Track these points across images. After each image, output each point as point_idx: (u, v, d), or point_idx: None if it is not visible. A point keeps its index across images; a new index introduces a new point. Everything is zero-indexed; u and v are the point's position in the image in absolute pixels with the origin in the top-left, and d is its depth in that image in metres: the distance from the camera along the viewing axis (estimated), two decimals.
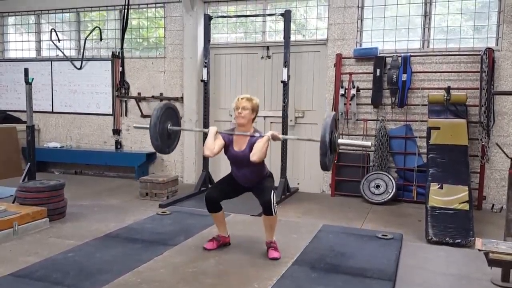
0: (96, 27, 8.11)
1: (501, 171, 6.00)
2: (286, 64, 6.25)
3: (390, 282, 3.40)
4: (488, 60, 5.76)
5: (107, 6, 8.07)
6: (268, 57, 7.14)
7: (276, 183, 6.13)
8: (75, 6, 8.30)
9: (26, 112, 5.58)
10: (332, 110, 6.59)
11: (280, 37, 6.89)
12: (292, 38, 6.52)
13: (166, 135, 4.08)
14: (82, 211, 5.41)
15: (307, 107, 7.01)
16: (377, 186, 6.24)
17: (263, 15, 7.01)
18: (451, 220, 4.76)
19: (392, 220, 5.47)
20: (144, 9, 7.91)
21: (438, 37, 6.36)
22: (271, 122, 7.11)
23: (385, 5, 6.52)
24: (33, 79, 5.59)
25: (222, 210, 4.02)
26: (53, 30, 8.22)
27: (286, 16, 6.25)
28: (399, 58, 6.24)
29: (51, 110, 8.65)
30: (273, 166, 6.42)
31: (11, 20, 9.07)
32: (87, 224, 4.88)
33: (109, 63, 8.07)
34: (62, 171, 8.51)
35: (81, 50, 8.22)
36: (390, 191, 6.17)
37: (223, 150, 3.90)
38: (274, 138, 3.78)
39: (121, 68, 7.96)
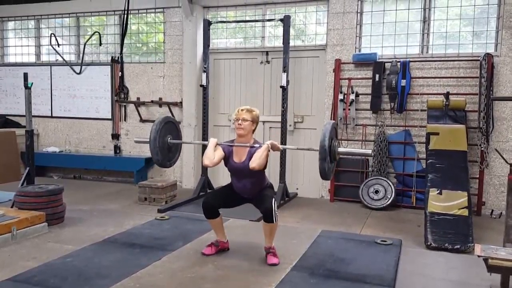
0: (96, 32, 8.13)
1: (500, 177, 6.00)
2: (285, 69, 6.26)
3: None
4: (487, 66, 5.77)
5: (106, 11, 8.09)
6: (267, 62, 7.16)
7: (275, 188, 6.15)
8: (74, 11, 8.32)
9: (25, 116, 5.59)
10: (331, 115, 6.60)
11: (279, 42, 6.90)
12: (291, 43, 6.53)
13: (166, 149, 4.10)
14: (81, 215, 5.41)
15: (306, 112, 7.02)
16: (376, 192, 6.23)
17: (263, 21, 7.03)
18: (450, 226, 4.76)
19: (391, 225, 5.46)
20: (144, 14, 7.93)
21: (437, 43, 6.37)
22: (270, 127, 7.11)
23: (384, 10, 6.55)
24: (32, 83, 5.60)
25: (219, 216, 4.02)
26: (52, 35, 8.24)
27: (285, 21, 6.27)
28: (398, 63, 6.26)
29: (50, 115, 8.65)
30: (272, 171, 6.43)
31: (11, 24, 9.08)
32: (85, 229, 4.87)
33: (109, 68, 8.08)
34: (61, 175, 8.49)
35: (81, 55, 8.24)
36: (389, 196, 6.16)
37: (223, 161, 3.90)
38: (273, 147, 3.78)
39: (120, 73, 7.97)
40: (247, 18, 7.27)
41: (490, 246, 3.53)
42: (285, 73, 6.26)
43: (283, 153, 6.43)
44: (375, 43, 6.61)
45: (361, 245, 4.40)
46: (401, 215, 5.99)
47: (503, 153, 5.43)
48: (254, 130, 3.90)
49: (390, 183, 6.21)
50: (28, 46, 8.91)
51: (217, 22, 7.15)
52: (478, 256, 3.33)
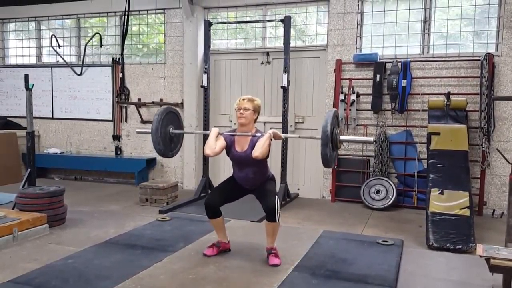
0: (97, 33, 8.13)
1: (502, 177, 5.99)
2: (286, 69, 6.26)
3: None
4: (488, 66, 5.76)
5: (107, 12, 8.10)
6: (268, 62, 7.16)
7: (276, 189, 6.14)
8: (75, 13, 8.33)
9: (26, 118, 5.59)
10: None
11: (280, 43, 6.90)
12: (292, 43, 6.53)
13: (168, 139, 4.09)
14: (82, 217, 5.41)
15: (307, 113, 7.02)
16: (378, 192, 6.23)
17: (263, 21, 7.03)
18: (452, 226, 4.75)
19: (393, 226, 5.45)
20: (144, 15, 7.94)
21: (438, 43, 6.37)
22: (271, 128, 7.04)
23: (384, 10, 6.54)
24: (33, 85, 5.60)
25: (221, 216, 4.01)
26: (53, 36, 8.24)
27: (286, 22, 6.26)
28: (399, 63, 6.25)
29: (51, 116, 8.65)
30: (273, 171, 6.37)
31: (11, 26, 9.09)
32: (86, 230, 4.87)
33: (109, 69, 8.08)
34: (62, 177, 8.50)
35: (82, 56, 8.24)
36: (390, 196, 6.16)
37: (224, 151, 3.89)
38: (275, 136, 3.78)
39: (121, 74, 7.98)
40: (248, 19, 7.27)
41: (492, 246, 3.53)
42: (286, 74, 6.25)
43: (284, 154, 6.43)
44: (376, 43, 6.61)
45: (363, 246, 4.39)
46: (403, 215, 5.98)
47: (505, 153, 5.42)
48: (256, 120, 3.89)
49: (391, 183, 6.21)
50: (29, 47, 8.92)
51: (217, 23, 7.15)
52: (480, 256, 3.33)
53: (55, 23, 8.63)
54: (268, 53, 7.15)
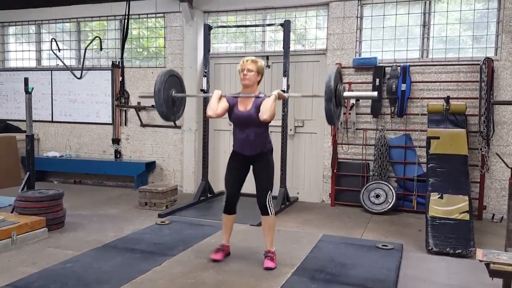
0: (97, 37, 8.14)
1: (501, 181, 5.99)
2: (285, 73, 6.27)
3: None
4: (487, 70, 5.77)
5: (107, 16, 8.12)
6: (268, 66, 7.15)
7: (276, 192, 6.15)
8: (75, 16, 8.34)
9: (26, 121, 5.59)
10: None
11: (279, 47, 6.92)
12: (292, 48, 6.54)
13: (171, 102, 4.09)
14: (81, 220, 5.39)
15: (307, 117, 7.02)
16: (377, 196, 6.22)
17: (263, 25, 7.04)
18: (452, 230, 4.74)
19: (392, 230, 5.44)
20: (145, 19, 7.95)
21: (437, 47, 6.38)
22: (271, 131, 7.04)
23: (384, 15, 6.56)
24: (33, 88, 5.60)
25: (235, 214, 4.03)
26: (53, 40, 8.25)
27: (286, 26, 6.28)
28: (398, 68, 6.26)
29: (50, 120, 8.65)
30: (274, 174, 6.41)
31: (11, 30, 9.11)
32: (85, 234, 4.85)
33: (109, 72, 8.09)
34: (61, 180, 8.49)
35: (81, 60, 8.25)
36: (390, 200, 6.15)
37: (227, 114, 3.88)
38: (280, 96, 3.78)
39: (121, 77, 7.98)
40: (248, 23, 7.28)
41: (492, 250, 3.52)
42: (286, 78, 6.26)
43: (283, 158, 6.42)
44: (375, 48, 6.62)
45: (362, 250, 4.39)
46: (402, 219, 5.97)
47: (504, 157, 5.42)
48: (259, 82, 3.89)
49: (391, 187, 6.20)
50: (28, 51, 8.92)
51: (217, 27, 7.16)
52: (480, 260, 3.32)
53: (55, 27, 8.64)
54: (267, 57, 7.15)
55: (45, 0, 8.33)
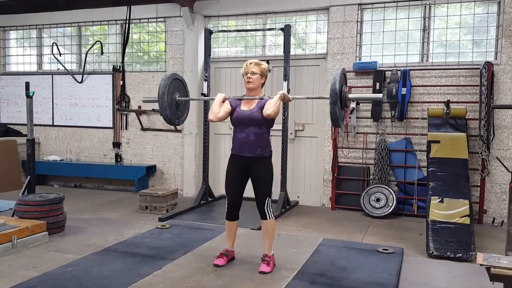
0: (97, 41, 8.17)
1: (502, 185, 5.99)
2: (286, 77, 6.28)
3: None
4: (487, 74, 5.78)
5: (108, 21, 8.14)
6: (268, 70, 7.11)
7: (276, 196, 6.15)
8: (76, 21, 8.37)
9: (27, 125, 5.60)
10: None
11: (280, 51, 6.94)
12: (292, 52, 6.56)
13: (175, 106, 4.09)
14: (81, 224, 5.40)
15: (307, 120, 7.03)
16: (378, 200, 6.22)
17: (263, 30, 7.06)
18: (452, 234, 4.74)
19: (393, 234, 5.44)
20: (145, 24, 7.98)
21: (437, 51, 6.40)
22: (271, 135, 7.08)
23: (384, 19, 6.58)
24: (34, 92, 5.62)
25: (238, 220, 4.04)
26: (54, 44, 8.28)
27: (286, 30, 6.30)
28: (399, 72, 6.28)
29: (51, 124, 8.67)
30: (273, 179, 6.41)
31: (13, 34, 9.13)
32: (86, 238, 4.85)
33: (110, 76, 8.11)
34: (61, 184, 8.49)
35: (82, 64, 8.27)
36: (390, 204, 6.15)
37: (229, 116, 3.89)
38: (285, 97, 3.78)
39: (121, 81, 8.00)
40: (248, 27, 7.30)
41: (492, 254, 3.51)
42: (286, 82, 6.28)
43: (284, 162, 6.42)
44: (376, 52, 6.64)
45: (363, 254, 4.38)
46: (403, 223, 5.97)
47: (504, 161, 5.43)
48: (263, 84, 3.91)
49: (391, 191, 6.20)
50: (30, 55, 8.95)
51: (218, 31, 7.17)
52: (480, 264, 3.32)
53: (56, 31, 8.67)
54: (268, 61, 7.12)
55: (46, 4, 8.37)
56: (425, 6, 6.37)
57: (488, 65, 5.82)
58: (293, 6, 6.95)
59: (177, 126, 6.89)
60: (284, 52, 6.34)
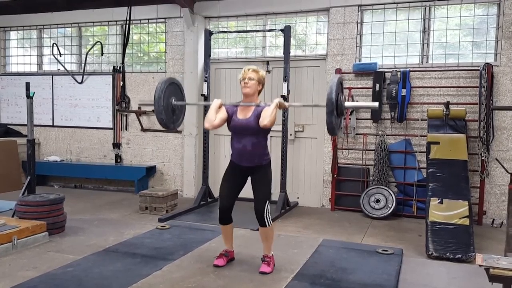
0: (98, 41, 8.18)
1: (501, 186, 6.00)
2: (286, 78, 6.29)
3: None
4: (487, 76, 5.79)
5: (108, 21, 8.15)
6: (268, 71, 7.18)
7: (276, 197, 6.16)
8: (76, 21, 8.38)
9: (27, 126, 5.61)
10: None
11: (280, 52, 6.95)
12: (292, 53, 6.57)
13: (170, 110, 4.09)
14: (82, 225, 5.40)
15: (307, 122, 7.04)
16: (377, 201, 6.23)
17: (263, 31, 7.07)
18: (452, 235, 4.74)
19: (392, 235, 5.45)
20: (145, 24, 7.99)
21: (437, 53, 6.41)
22: (271, 136, 7.08)
23: (384, 21, 6.59)
24: (34, 93, 5.62)
25: (232, 223, 4.02)
26: (54, 45, 8.29)
27: (286, 31, 6.31)
28: (398, 73, 6.28)
29: (51, 124, 8.67)
30: (272, 180, 6.42)
31: (13, 34, 9.14)
32: (86, 238, 4.86)
33: (110, 77, 8.12)
34: (61, 184, 8.50)
35: (82, 65, 8.28)
36: (390, 205, 6.16)
37: (226, 123, 3.86)
38: (281, 105, 3.75)
39: (122, 82, 8.01)
40: (248, 28, 7.31)
41: (492, 255, 3.52)
42: (286, 83, 6.29)
43: (284, 163, 6.43)
44: (375, 53, 6.65)
45: (362, 255, 4.39)
46: (402, 224, 5.98)
47: (504, 163, 5.43)
48: (260, 91, 3.87)
49: (391, 192, 6.21)
50: (30, 55, 8.95)
51: (218, 32, 7.19)
52: (480, 265, 3.32)
53: (57, 32, 8.68)
54: (268, 62, 7.18)
55: (47, 5, 8.38)
56: (425, 8, 6.38)
57: (488, 66, 5.83)
58: (293, 7, 6.96)
59: (177, 128, 6.88)
60: (284, 53, 6.36)
